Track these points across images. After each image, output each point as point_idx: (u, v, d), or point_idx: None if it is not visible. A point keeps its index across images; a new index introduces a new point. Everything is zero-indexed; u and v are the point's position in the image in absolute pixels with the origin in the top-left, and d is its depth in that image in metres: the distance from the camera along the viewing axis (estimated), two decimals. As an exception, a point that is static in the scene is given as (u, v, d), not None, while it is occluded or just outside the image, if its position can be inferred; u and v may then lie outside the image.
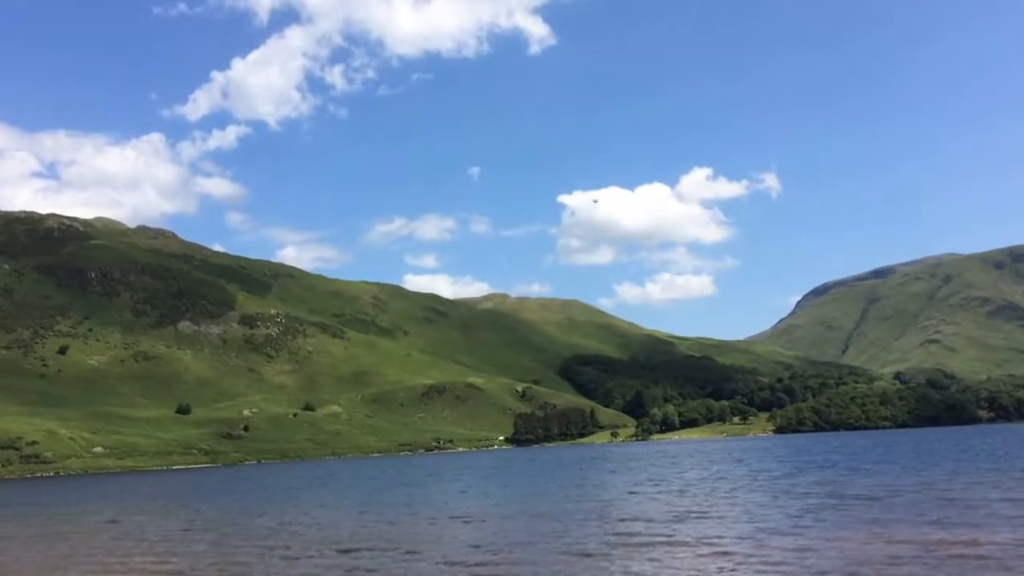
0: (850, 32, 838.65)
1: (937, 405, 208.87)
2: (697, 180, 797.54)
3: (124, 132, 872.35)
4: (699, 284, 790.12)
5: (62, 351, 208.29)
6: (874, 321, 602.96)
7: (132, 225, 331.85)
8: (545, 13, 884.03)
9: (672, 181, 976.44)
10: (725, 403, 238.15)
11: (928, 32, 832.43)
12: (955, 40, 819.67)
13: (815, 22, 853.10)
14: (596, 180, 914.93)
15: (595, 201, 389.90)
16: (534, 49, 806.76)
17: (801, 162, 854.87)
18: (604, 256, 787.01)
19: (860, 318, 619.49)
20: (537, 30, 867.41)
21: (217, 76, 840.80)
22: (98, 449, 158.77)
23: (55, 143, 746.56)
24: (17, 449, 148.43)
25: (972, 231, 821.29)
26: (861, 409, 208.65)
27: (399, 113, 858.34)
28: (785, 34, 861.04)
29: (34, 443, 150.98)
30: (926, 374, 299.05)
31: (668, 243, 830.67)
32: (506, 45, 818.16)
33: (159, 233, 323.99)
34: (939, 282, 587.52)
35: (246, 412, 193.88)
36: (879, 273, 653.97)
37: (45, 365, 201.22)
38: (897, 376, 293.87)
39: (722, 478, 43.99)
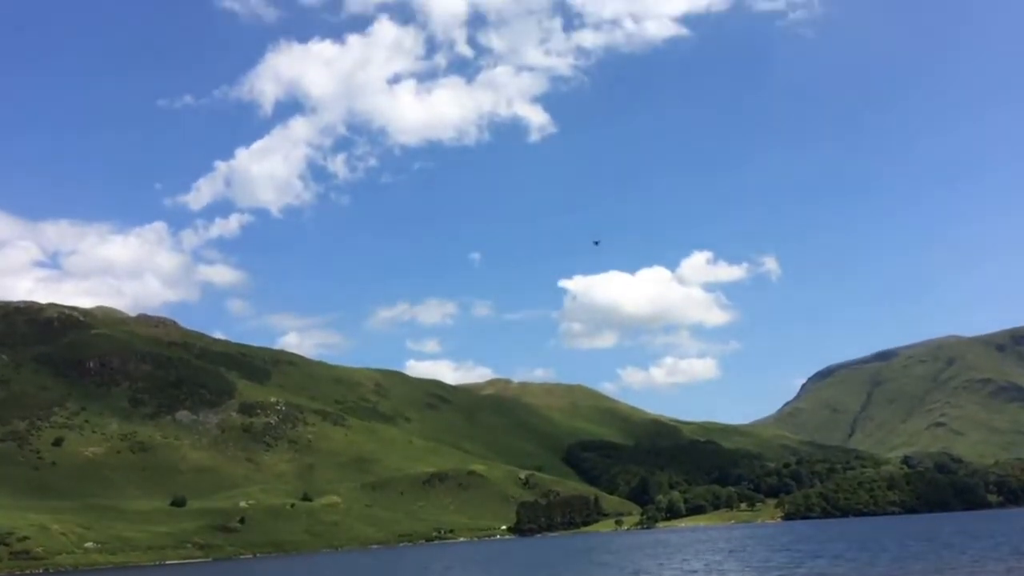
0: (849, 120, 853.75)
1: (946, 490, 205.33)
2: (697, 264, 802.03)
3: (127, 221, 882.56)
4: (703, 367, 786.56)
5: (57, 443, 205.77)
6: (879, 404, 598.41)
7: (133, 314, 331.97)
8: (545, 102, 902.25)
9: (673, 265, 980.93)
10: (731, 489, 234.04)
11: (928, 119, 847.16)
12: (955, 127, 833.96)
13: (814, 110, 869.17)
14: (597, 265, 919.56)
15: (596, 243, 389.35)
16: (534, 137, 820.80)
17: (800, 246, 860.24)
18: (607, 340, 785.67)
19: (865, 401, 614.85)
20: (537, 118, 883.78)
21: (220, 165, 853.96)
22: (89, 544, 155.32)
23: (58, 233, 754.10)
24: (7, 544, 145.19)
25: (973, 313, 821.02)
26: (869, 494, 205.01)
27: (401, 200, 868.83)
28: (784, 121, 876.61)
29: (25, 539, 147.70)
30: (933, 458, 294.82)
31: (671, 326, 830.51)
32: (506, 133, 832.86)
33: (159, 321, 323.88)
34: (943, 364, 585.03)
35: (243, 503, 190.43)
36: (883, 356, 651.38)
37: (40, 457, 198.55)
38: (904, 460, 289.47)
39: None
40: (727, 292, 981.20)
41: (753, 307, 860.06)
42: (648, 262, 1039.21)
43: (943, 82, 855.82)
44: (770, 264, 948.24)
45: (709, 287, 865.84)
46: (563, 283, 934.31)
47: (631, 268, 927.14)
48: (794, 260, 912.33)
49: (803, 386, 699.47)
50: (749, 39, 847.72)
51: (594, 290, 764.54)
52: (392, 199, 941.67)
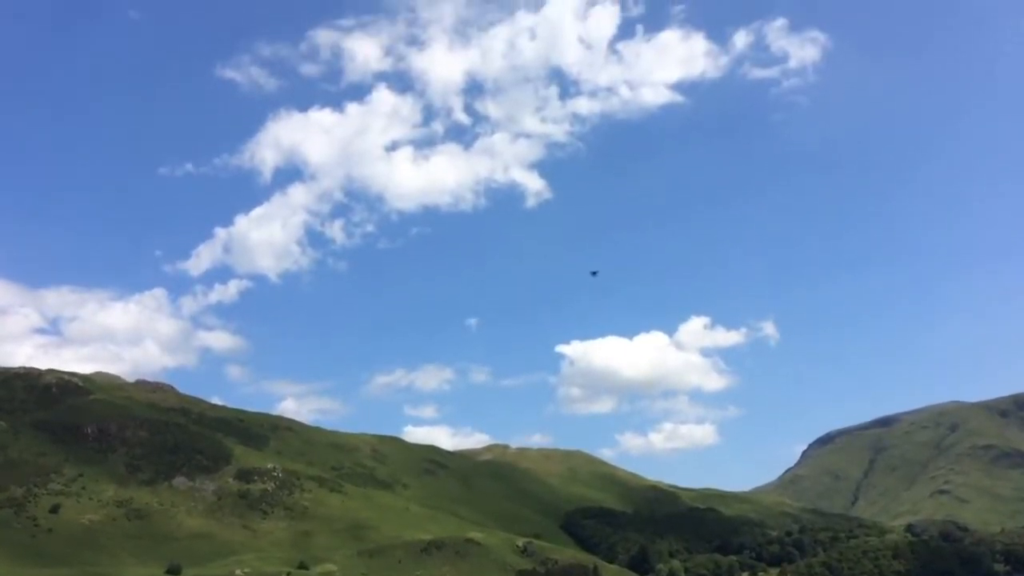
0: (845, 187, 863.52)
1: (951, 559, 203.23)
2: (695, 329, 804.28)
3: (127, 288, 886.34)
4: (702, 433, 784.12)
5: (54, 510, 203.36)
6: (882, 471, 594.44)
7: (131, 379, 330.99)
8: (541, 168, 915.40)
9: (670, 330, 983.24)
10: (733, 558, 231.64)
11: (926, 187, 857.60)
12: (954, 196, 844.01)
13: (809, 176, 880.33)
14: (594, 330, 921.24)
15: (594, 273, 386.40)
16: (530, 202, 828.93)
17: (798, 311, 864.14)
18: (605, 405, 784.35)
19: (868, 468, 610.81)
20: (533, 184, 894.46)
21: (220, 232, 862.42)
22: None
23: (59, 299, 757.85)
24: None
25: (975, 379, 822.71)
26: (874, 564, 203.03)
27: (398, 265, 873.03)
28: (780, 187, 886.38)
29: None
30: (938, 526, 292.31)
31: (669, 392, 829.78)
32: (503, 199, 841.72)
33: (157, 387, 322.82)
34: (945, 431, 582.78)
35: (238, 571, 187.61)
36: (884, 422, 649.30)
37: (36, 524, 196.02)
38: (909, 528, 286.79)
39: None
40: (725, 357, 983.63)
41: (752, 372, 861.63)
42: (646, 327, 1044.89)
43: (940, 150, 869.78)
44: (768, 329, 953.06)
45: (707, 352, 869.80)
46: (560, 348, 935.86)
47: (629, 333, 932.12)
48: (792, 325, 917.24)
49: (804, 452, 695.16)
50: (743, 106, 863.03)
51: (592, 355, 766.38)
52: (389, 265, 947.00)
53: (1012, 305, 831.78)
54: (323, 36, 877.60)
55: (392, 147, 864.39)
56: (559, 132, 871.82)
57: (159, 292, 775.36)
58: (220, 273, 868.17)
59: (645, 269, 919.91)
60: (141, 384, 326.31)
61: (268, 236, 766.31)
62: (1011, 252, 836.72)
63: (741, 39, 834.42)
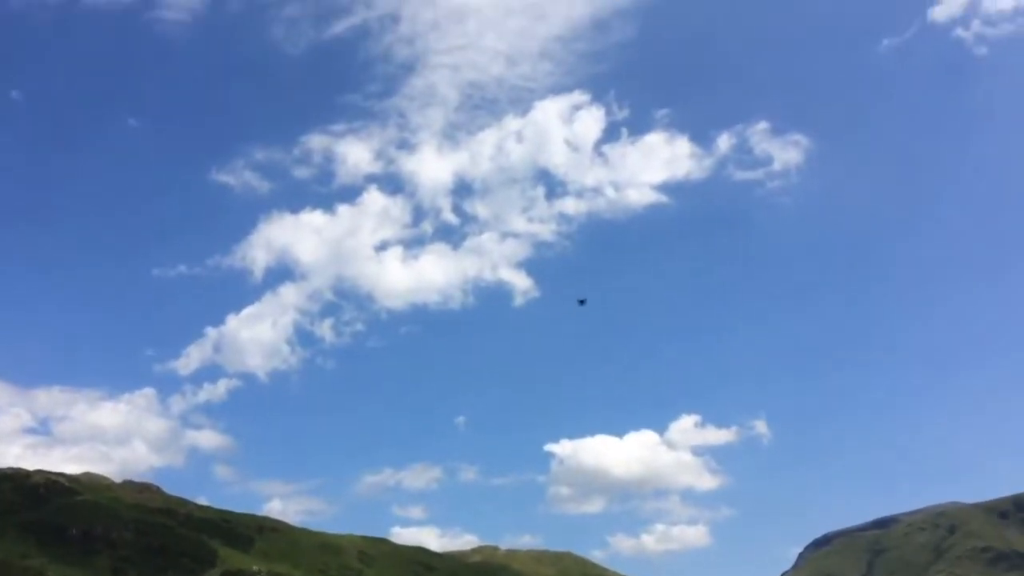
0: (834, 286, 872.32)
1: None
2: (686, 427, 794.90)
3: (117, 387, 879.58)
4: (695, 534, 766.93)
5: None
6: (880, 574, 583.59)
7: (119, 480, 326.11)
8: (528, 267, 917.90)
9: (661, 428, 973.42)
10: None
11: (915, 286, 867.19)
12: (944, 293, 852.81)
13: (797, 276, 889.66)
14: (584, 428, 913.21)
15: (582, 302, 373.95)
16: (518, 301, 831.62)
17: (791, 409, 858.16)
18: (595, 505, 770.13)
19: (866, 571, 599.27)
20: (521, 283, 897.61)
21: (211, 331, 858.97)
22: None
23: (49, 399, 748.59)
24: None
25: (974, 479, 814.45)
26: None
27: (387, 364, 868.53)
28: (769, 286, 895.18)
29: None
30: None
31: (661, 491, 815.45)
32: (491, 297, 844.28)
33: (144, 487, 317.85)
34: (944, 532, 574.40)
35: None
36: (881, 523, 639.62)
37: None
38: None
39: None
40: (717, 456, 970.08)
41: (744, 472, 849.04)
42: (635, 425, 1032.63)
43: (928, 248, 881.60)
44: (760, 428, 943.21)
45: (698, 451, 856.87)
46: (550, 447, 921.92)
47: (618, 431, 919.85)
48: (785, 424, 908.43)
49: (800, 555, 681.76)
50: (729, 206, 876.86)
51: (581, 454, 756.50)
52: (378, 363, 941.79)
53: (1010, 404, 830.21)
54: (316, 141, 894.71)
55: (382, 247, 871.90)
56: (546, 231, 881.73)
57: (149, 391, 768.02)
58: (210, 372, 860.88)
59: (634, 367, 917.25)
60: (128, 484, 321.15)
61: (258, 335, 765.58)
62: (1010, 350, 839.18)
63: (725, 142, 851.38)
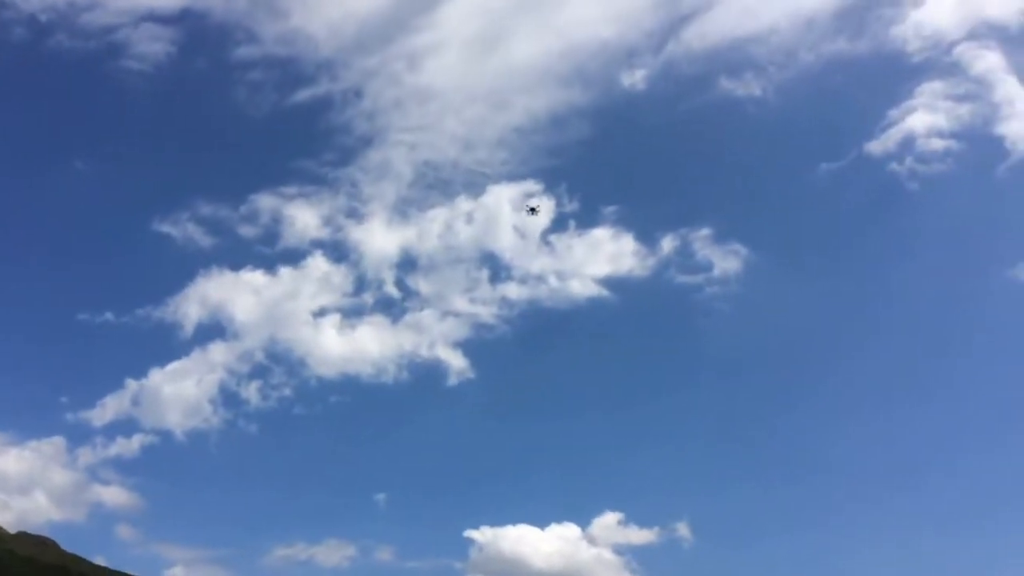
0: (764, 396, 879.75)
1: None
2: (609, 524, 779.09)
3: (26, 433, 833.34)
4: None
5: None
6: None
7: (14, 530, 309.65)
8: (466, 347, 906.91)
9: (584, 523, 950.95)
10: None
11: (847, 404, 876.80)
12: (874, 414, 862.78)
13: (729, 382, 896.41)
14: (506, 516, 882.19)
15: (532, 210, 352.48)
16: (452, 380, 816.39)
17: (712, 514, 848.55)
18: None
19: None
20: (456, 363, 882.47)
21: (131, 383, 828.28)
22: None
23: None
24: None
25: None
26: None
27: (311, 433, 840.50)
28: (699, 390, 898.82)
29: None
30: None
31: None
32: (425, 375, 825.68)
33: (40, 541, 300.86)
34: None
35: None
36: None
37: None
38: None
39: None
40: (638, 556, 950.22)
41: (665, 574, 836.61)
42: (559, 517, 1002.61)
43: (853, 369, 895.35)
44: (682, 530, 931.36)
45: (620, 549, 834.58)
46: (469, 533, 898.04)
47: (541, 522, 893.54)
48: (706, 529, 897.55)
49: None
50: (667, 308, 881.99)
51: (502, 542, 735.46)
52: (302, 431, 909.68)
53: (944, 527, 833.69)
54: (265, 201, 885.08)
55: (320, 313, 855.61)
56: (487, 314, 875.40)
57: (58, 440, 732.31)
58: (124, 426, 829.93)
59: (561, 458, 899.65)
60: (23, 536, 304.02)
61: (180, 392, 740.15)
62: (940, 471, 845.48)
63: (668, 243, 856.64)
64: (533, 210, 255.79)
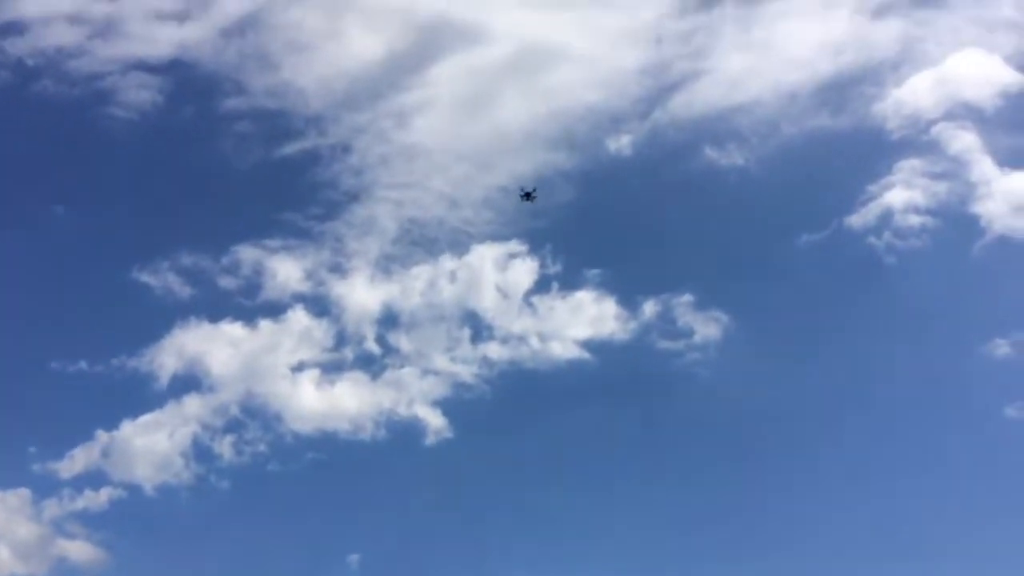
0: (738, 461, 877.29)
1: None
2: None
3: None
4: None
5: None
6: None
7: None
8: (445, 406, 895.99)
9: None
10: None
11: (825, 475, 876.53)
12: (854, 485, 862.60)
13: (703, 447, 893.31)
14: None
15: (527, 195, 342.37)
16: (430, 440, 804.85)
17: (694, 573, 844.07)
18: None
19: None
20: (435, 421, 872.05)
21: (102, 435, 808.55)
22: None
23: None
24: None
25: None
26: None
27: (285, 490, 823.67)
28: (673, 452, 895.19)
29: None
30: None
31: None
32: (403, 433, 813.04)
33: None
34: None
35: None
36: None
37: None
38: None
39: None
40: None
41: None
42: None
43: (833, 444, 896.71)
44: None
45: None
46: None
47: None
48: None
49: None
50: (648, 372, 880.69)
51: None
52: (275, 488, 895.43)
53: None
54: (247, 252, 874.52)
55: (299, 368, 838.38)
56: (467, 373, 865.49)
57: (24, 492, 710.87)
58: (93, 478, 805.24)
59: (535, 523, 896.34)
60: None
61: (152, 445, 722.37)
62: (907, 556, 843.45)
63: (650, 308, 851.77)
64: (528, 195, 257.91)
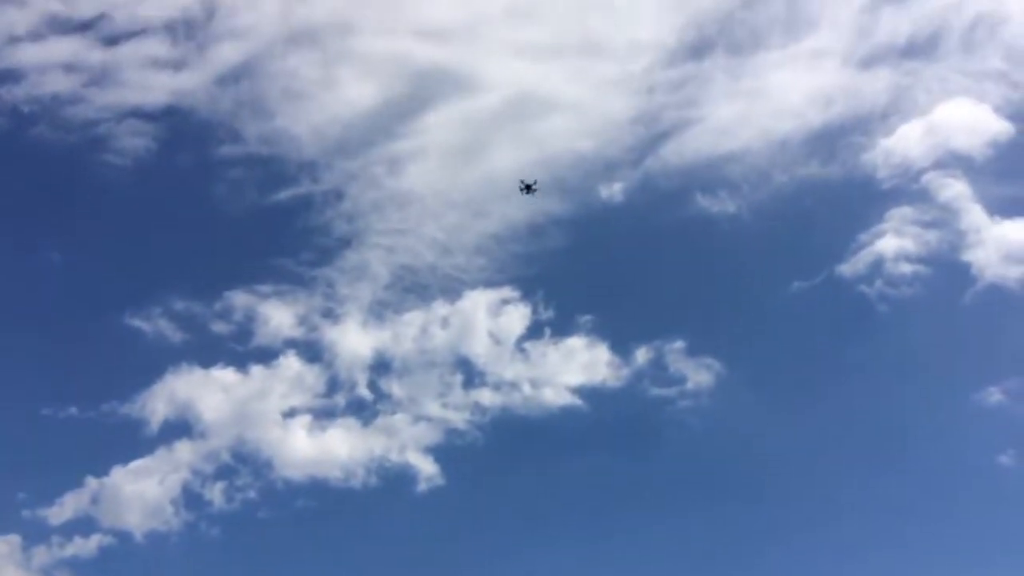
0: (729, 509, 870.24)
1: None
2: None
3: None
4: None
5: None
6: None
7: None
8: (436, 452, 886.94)
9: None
10: None
11: (813, 526, 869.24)
12: (847, 536, 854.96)
13: (694, 494, 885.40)
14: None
15: (528, 188, 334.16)
16: (422, 486, 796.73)
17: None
18: None
19: None
20: (427, 468, 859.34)
21: (91, 481, 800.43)
22: None
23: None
24: None
25: None
26: None
27: (274, 537, 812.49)
28: (664, 500, 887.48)
29: None
30: None
31: None
32: (394, 479, 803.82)
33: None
34: None
35: None
36: None
37: None
38: None
39: None
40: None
41: None
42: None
43: (822, 494, 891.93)
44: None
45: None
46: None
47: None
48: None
49: None
50: (640, 419, 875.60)
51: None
52: (265, 535, 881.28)
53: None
54: (239, 298, 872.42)
55: (290, 414, 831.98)
56: (459, 419, 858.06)
57: (13, 538, 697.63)
58: (83, 525, 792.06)
59: (527, 571, 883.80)
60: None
61: (142, 491, 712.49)
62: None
63: (642, 355, 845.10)
64: (529, 187, 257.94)
